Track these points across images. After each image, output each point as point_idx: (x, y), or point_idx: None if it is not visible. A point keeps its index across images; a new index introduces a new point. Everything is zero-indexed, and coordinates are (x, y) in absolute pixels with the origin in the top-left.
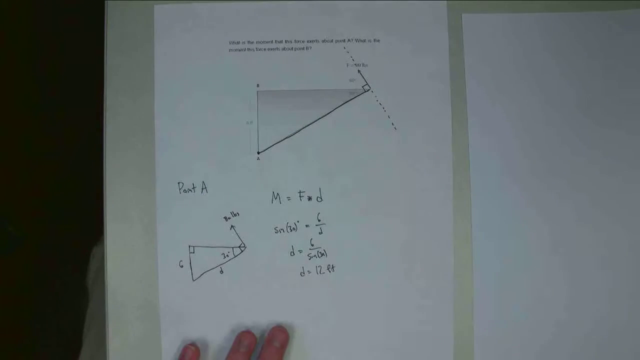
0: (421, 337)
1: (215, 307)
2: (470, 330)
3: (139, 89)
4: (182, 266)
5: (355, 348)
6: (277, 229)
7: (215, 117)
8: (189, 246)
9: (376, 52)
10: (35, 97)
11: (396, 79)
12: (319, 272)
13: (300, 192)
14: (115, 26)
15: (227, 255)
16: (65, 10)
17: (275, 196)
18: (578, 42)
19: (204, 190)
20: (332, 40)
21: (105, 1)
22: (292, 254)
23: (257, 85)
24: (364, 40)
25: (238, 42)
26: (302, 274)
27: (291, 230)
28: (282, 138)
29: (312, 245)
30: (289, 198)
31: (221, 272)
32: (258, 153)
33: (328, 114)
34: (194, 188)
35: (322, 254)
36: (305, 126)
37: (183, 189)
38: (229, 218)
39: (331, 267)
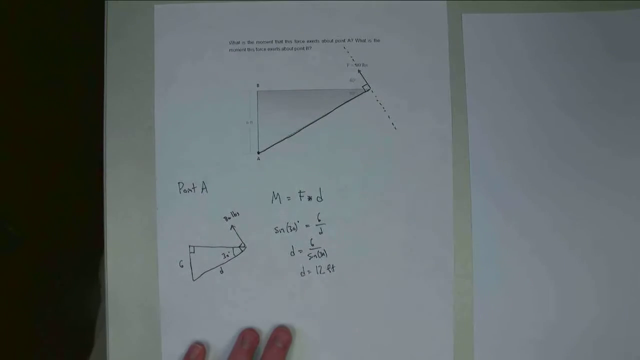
0: (421, 337)
1: (215, 307)
2: (470, 329)
3: (139, 88)
4: (182, 266)
5: (355, 348)
6: (277, 229)
7: (215, 117)
8: (189, 246)
9: (376, 52)
10: (35, 96)
11: (396, 79)
12: (319, 272)
13: (300, 192)
14: (115, 26)
15: (227, 255)
16: (65, 10)
17: (275, 196)
18: (578, 42)
19: (204, 190)
20: (332, 40)
21: (105, 1)
22: (292, 254)
23: (257, 85)
24: (364, 40)
25: (238, 42)
26: (302, 274)
27: (291, 230)
28: (282, 138)
29: (312, 245)
30: (289, 198)
31: (221, 272)
32: (258, 153)
33: (328, 114)
34: (194, 188)
35: (322, 254)
36: (305, 126)
37: (183, 189)
38: (229, 218)
39: (331, 267)
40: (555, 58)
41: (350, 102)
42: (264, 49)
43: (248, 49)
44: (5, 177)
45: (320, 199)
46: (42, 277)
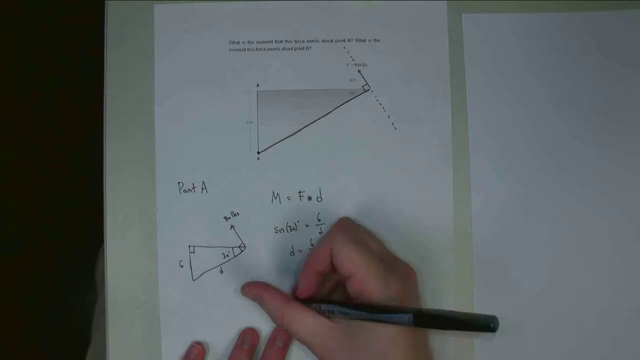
0: None
1: (215, 307)
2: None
3: (139, 89)
4: (182, 266)
5: None
6: (277, 229)
7: (215, 117)
8: (189, 246)
9: (376, 52)
10: (35, 96)
11: (396, 79)
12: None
13: (300, 192)
14: (115, 26)
15: (227, 255)
16: (65, 10)
17: (275, 196)
18: (578, 42)
19: (204, 190)
20: (332, 40)
21: (105, 1)
22: (292, 254)
23: (257, 85)
24: (364, 40)
25: (238, 42)
26: None
27: (291, 230)
28: (282, 138)
29: (312, 245)
30: (289, 198)
31: (221, 272)
32: (258, 153)
33: (328, 114)
34: (194, 188)
35: None
36: (305, 126)
37: (183, 189)
38: (229, 218)
39: None
40: (554, 58)
41: (350, 102)
42: (264, 49)
43: (248, 49)
44: (5, 177)
45: (320, 199)
46: (42, 277)
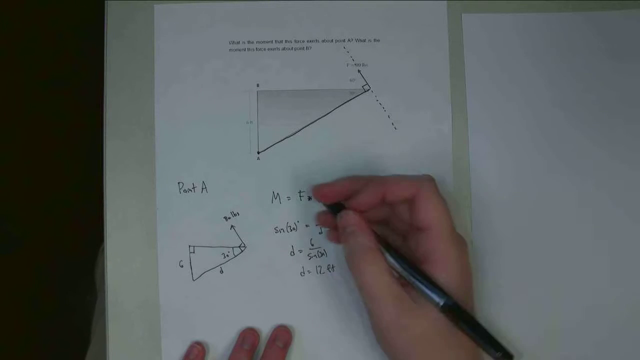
0: None
1: (215, 307)
2: None
3: (139, 89)
4: (182, 266)
5: (355, 348)
6: (277, 229)
7: (215, 117)
8: (189, 246)
9: (376, 52)
10: (35, 97)
11: (396, 79)
12: (319, 272)
13: (300, 192)
14: (115, 26)
15: (227, 255)
16: (65, 10)
17: (275, 196)
18: (578, 42)
19: (204, 190)
20: (332, 40)
21: (105, 1)
22: (292, 253)
23: (257, 85)
24: (364, 40)
25: (238, 42)
26: (302, 274)
27: (291, 230)
28: (282, 138)
29: (312, 245)
30: (289, 198)
31: (221, 272)
32: (258, 153)
33: (328, 114)
34: (194, 188)
35: (322, 254)
36: (305, 126)
37: (183, 189)
38: (229, 218)
39: (331, 267)
40: (554, 58)
41: (350, 102)
42: (264, 49)
43: (248, 49)
44: (5, 177)
45: None
46: (42, 277)
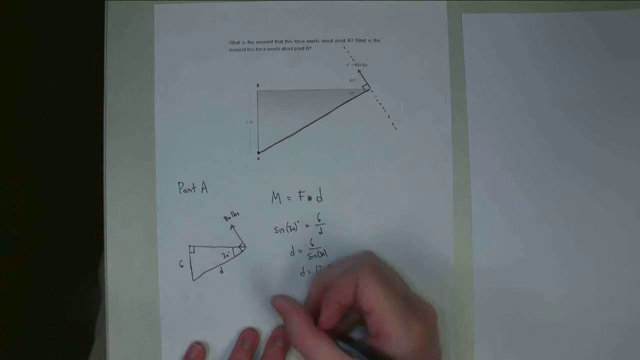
0: None
1: (215, 307)
2: (471, 330)
3: (139, 89)
4: (182, 266)
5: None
6: (277, 229)
7: (215, 117)
8: (189, 246)
9: (376, 52)
10: (34, 96)
11: (396, 79)
12: (319, 272)
13: (300, 192)
14: (115, 26)
15: (227, 255)
16: (65, 10)
17: (275, 196)
18: (578, 42)
19: (204, 190)
20: (332, 40)
21: (105, 1)
22: (292, 254)
23: (257, 85)
24: (364, 40)
25: (238, 42)
26: (302, 274)
27: (291, 230)
28: (282, 138)
29: (312, 245)
30: (289, 198)
31: (221, 272)
32: (258, 153)
33: (328, 114)
34: (194, 188)
35: (322, 254)
36: (305, 126)
37: (183, 189)
38: (229, 218)
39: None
40: (554, 58)
41: (350, 102)
42: (264, 49)
43: (248, 49)
44: (5, 177)
45: (320, 199)
46: (42, 277)
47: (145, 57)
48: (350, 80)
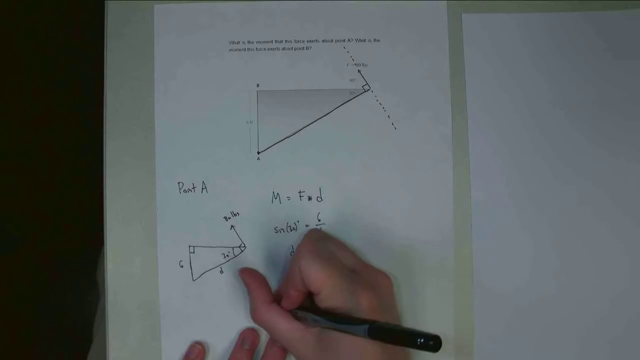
0: None
1: (215, 307)
2: (471, 330)
3: (139, 89)
4: (182, 266)
5: None
6: (277, 229)
7: (215, 117)
8: (189, 246)
9: (376, 52)
10: (35, 96)
11: (396, 79)
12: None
13: (300, 192)
14: (115, 26)
15: (227, 255)
16: (65, 10)
17: (275, 196)
18: (578, 42)
19: (204, 190)
20: (332, 40)
21: (105, 1)
22: (292, 253)
23: (257, 85)
24: (364, 40)
25: (238, 42)
26: None
27: (291, 230)
28: (282, 138)
29: None
30: (289, 198)
31: (221, 272)
32: (258, 153)
33: (328, 114)
34: (194, 188)
35: None
36: (305, 126)
37: (183, 189)
38: (229, 218)
39: None
40: (554, 58)
41: (350, 102)
42: (264, 49)
43: (248, 49)
44: (4, 177)
45: (320, 199)
46: (42, 277)
47: (145, 57)
48: (350, 80)
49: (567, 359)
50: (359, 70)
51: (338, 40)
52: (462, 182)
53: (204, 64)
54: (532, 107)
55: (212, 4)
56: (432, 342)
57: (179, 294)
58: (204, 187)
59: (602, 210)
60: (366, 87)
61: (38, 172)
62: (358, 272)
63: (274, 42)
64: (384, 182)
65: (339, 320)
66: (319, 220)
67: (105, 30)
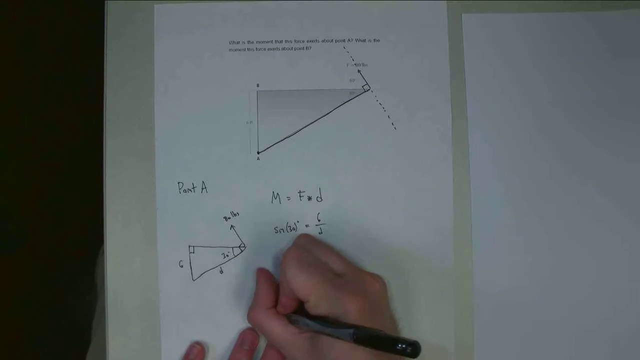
0: (422, 337)
1: (215, 307)
2: (471, 330)
3: (139, 89)
4: (182, 266)
5: None
6: (277, 229)
7: (215, 117)
8: (189, 246)
9: (376, 52)
10: (35, 96)
11: (396, 79)
12: None
13: (300, 192)
14: (115, 26)
15: (227, 255)
16: (65, 10)
17: (275, 196)
18: (578, 42)
19: (204, 190)
20: (332, 40)
21: (105, 1)
22: None
23: (257, 85)
24: (364, 40)
25: (238, 42)
26: None
27: (291, 230)
28: (282, 138)
29: None
30: (289, 198)
31: (221, 272)
32: (258, 153)
33: (328, 114)
34: (194, 188)
35: None
36: (305, 126)
37: (183, 189)
38: (229, 218)
39: None
40: (554, 58)
41: (350, 102)
42: (264, 49)
43: (248, 49)
44: (5, 177)
45: (320, 199)
46: (42, 277)
47: (145, 57)
48: (350, 80)
49: (567, 358)
50: (359, 71)
51: (338, 40)
52: (462, 182)
53: (204, 64)
54: (532, 107)
55: (212, 4)
56: (410, 348)
57: (179, 294)
58: (203, 187)
59: (601, 210)
60: (366, 87)
61: (38, 172)
62: (347, 277)
63: (274, 42)
64: (384, 182)
65: (328, 325)
66: (319, 220)
67: (105, 30)
